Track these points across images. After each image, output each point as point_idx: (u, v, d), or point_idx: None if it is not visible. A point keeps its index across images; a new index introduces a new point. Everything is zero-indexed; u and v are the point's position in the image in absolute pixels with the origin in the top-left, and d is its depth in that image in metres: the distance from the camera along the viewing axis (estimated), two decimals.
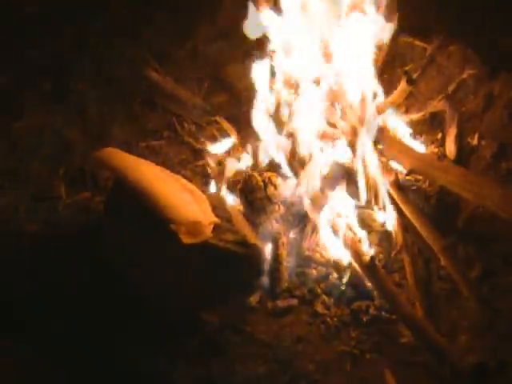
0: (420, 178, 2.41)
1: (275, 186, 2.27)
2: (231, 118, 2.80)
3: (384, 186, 2.20)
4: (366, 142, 2.27)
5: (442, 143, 2.60)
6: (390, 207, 2.21)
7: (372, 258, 1.98)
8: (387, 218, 2.23)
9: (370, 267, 1.98)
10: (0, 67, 2.98)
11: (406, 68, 2.72)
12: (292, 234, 2.25)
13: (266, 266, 2.14)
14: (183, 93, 2.91)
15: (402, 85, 2.34)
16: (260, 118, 2.36)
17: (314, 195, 2.21)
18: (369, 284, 2.08)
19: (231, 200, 2.34)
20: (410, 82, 2.32)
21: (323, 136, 2.31)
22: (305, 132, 2.30)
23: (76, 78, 2.98)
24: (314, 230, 2.23)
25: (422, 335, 1.90)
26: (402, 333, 1.99)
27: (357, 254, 2.06)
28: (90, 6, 3.13)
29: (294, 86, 2.34)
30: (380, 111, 2.38)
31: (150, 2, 3.20)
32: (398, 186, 2.11)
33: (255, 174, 2.32)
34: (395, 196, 2.12)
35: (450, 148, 2.54)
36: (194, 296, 2.05)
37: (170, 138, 2.80)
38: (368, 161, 2.26)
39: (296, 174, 2.29)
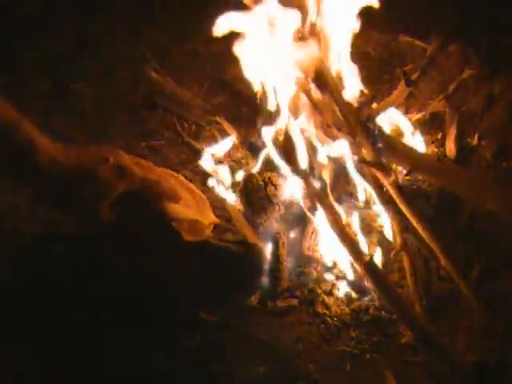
0: (420, 177, 2.42)
1: (275, 186, 2.27)
2: (231, 118, 2.80)
3: (383, 186, 2.20)
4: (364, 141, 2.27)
5: (442, 143, 2.60)
6: (389, 207, 2.21)
7: (372, 257, 1.98)
8: (387, 218, 2.22)
9: (369, 267, 1.97)
10: (0, 67, 2.98)
11: (406, 68, 2.72)
12: (292, 234, 2.25)
13: (266, 266, 2.15)
14: (183, 93, 2.91)
15: (402, 85, 2.34)
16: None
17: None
18: (369, 284, 2.08)
19: (231, 200, 2.34)
20: (408, 82, 2.31)
21: (323, 135, 2.32)
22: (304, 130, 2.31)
23: (76, 78, 2.98)
24: (314, 229, 2.23)
25: (421, 335, 1.90)
26: (401, 333, 1.99)
27: (357, 254, 2.06)
28: (90, 6, 3.13)
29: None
30: (380, 111, 2.38)
31: (150, 1, 3.20)
32: (398, 186, 2.10)
33: (255, 174, 2.32)
34: (395, 196, 2.11)
35: (450, 148, 2.54)
36: (195, 296, 2.05)
37: (170, 138, 2.80)
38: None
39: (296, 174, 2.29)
